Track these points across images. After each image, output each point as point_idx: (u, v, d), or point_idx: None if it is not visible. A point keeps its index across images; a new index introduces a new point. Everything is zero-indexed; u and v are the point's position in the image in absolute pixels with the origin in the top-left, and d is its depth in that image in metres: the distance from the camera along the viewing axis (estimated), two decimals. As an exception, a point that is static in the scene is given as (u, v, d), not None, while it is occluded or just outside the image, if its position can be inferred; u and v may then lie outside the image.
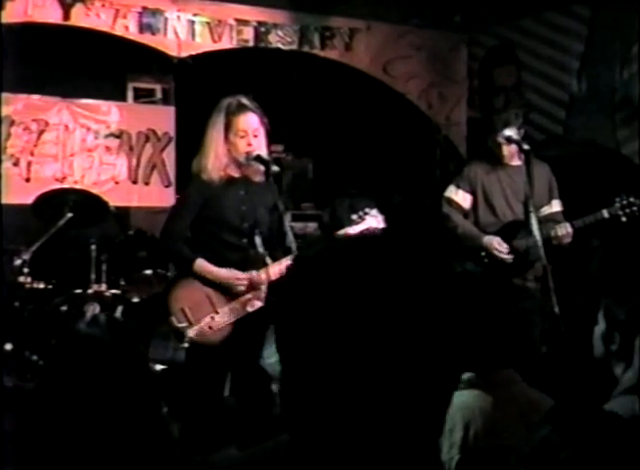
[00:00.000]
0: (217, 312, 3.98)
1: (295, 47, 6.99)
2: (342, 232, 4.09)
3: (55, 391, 1.72)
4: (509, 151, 5.00)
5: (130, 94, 7.24)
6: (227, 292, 3.99)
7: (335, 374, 0.95)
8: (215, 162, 3.94)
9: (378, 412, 0.95)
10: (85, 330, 1.81)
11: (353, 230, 4.08)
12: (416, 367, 0.95)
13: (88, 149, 6.87)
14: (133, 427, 1.70)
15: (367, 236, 1.08)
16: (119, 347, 1.79)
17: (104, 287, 5.51)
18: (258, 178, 4.03)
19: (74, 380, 1.72)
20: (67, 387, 1.71)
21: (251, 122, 3.94)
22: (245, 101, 3.98)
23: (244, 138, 3.93)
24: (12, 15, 5.93)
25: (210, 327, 3.97)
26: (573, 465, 1.23)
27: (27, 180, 6.60)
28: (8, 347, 5.02)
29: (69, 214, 5.31)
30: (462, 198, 5.17)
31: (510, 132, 4.88)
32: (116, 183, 6.97)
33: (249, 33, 6.82)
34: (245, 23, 6.80)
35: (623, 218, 4.73)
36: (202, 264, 3.95)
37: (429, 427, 0.99)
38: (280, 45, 6.93)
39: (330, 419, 0.96)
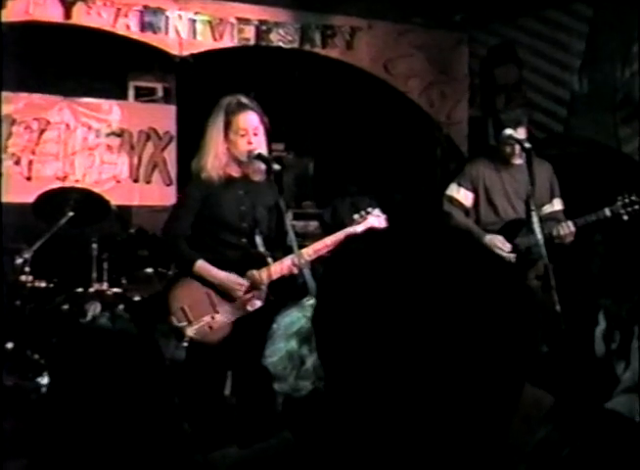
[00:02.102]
0: (217, 312, 3.98)
1: (296, 46, 6.98)
2: (342, 232, 4.08)
3: (78, 384, 1.73)
4: (518, 149, 4.99)
5: (131, 93, 7.24)
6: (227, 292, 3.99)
7: (383, 371, 0.93)
8: (215, 161, 3.94)
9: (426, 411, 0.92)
10: (106, 324, 1.82)
11: (355, 230, 4.07)
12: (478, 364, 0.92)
13: (89, 148, 6.88)
14: (150, 419, 1.71)
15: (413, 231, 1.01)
16: (140, 339, 1.81)
17: (105, 286, 5.51)
18: (258, 177, 4.02)
19: (97, 373, 1.73)
20: (89, 380, 1.72)
21: (250, 121, 3.94)
22: (244, 100, 3.97)
23: (244, 137, 3.92)
24: (13, 13, 5.93)
25: (210, 326, 3.97)
26: (575, 464, 1.23)
27: (29, 179, 6.60)
28: (9, 346, 5.03)
29: (71, 213, 5.30)
30: (464, 196, 5.17)
31: (510, 131, 4.88)
32: (118, 182, 6.97)
33: (250, 32, 6.82)
34: (246, 21, 6.80)
35: (625, 217, 4.73)
36: (202, 266, 3.95)
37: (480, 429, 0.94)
38: (281, 44, 6.93)
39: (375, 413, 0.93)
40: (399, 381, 0.92)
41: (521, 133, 4.89)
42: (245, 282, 3.97)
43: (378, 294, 0.93)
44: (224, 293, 3.99)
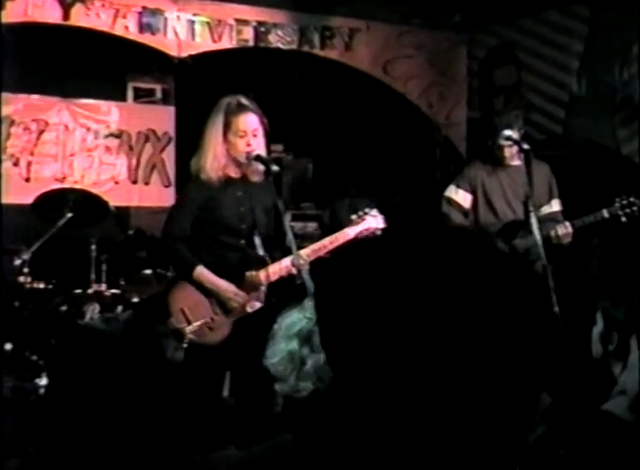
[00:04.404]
0: (217, 313, 3.98)
1: (294, 47, 6.99)
2: (341, 233, 4.08)
3: (80, 384, 1.73)
4: (510, 152, 5.00)
5: (130, 94, 7.24)
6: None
7: (391, 374, 0.92)
8: (214, 161, 3.93)
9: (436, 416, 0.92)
10: (105, 328, 1.82)
11: (353, 230, 4.08)
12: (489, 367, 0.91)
13: (88, 149, 6.88)
14: (149, 420, 1.71)
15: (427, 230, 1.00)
16: (143, 341, 1.81)
17: (104, 287, 5.50)
18: (257, 179, 4.02)
19: (99, 373, 1.73)
20: (91, 380, 1.73)
21: (250, 122, 3.93)
22: (244, 101, 3.97)
23: (243, 138, 3.92)
24: (12, 14, 5.93)
25: (210, 328, 3.97)
26: (569, 463, 1.23)
27: (27, 180, 6.60)
28: (8, 347, 5.02)
29: (69, 214, 5.30)
30: (462, 197, 5.17)
31: (509, 132, 4.88)
32: (116, 183, 6.98)
33: (248, 33, 6.82)
34: (244, 22, 6.81)
35: (623, 218, 4.73)
36: (201, 272, 3.94)
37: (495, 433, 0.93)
38: (280, 45, 6.93)
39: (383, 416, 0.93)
40: (404, 382, 0.91)
41: (512, 133, 4.90)
42: (243, 293, 3.97)
43: (377, 297, 0.93)
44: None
